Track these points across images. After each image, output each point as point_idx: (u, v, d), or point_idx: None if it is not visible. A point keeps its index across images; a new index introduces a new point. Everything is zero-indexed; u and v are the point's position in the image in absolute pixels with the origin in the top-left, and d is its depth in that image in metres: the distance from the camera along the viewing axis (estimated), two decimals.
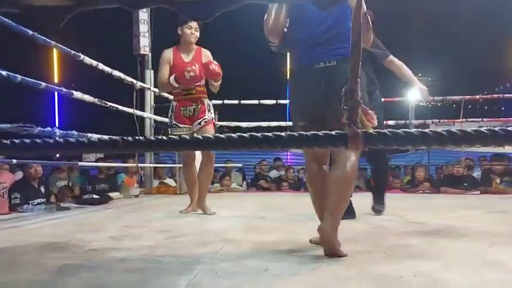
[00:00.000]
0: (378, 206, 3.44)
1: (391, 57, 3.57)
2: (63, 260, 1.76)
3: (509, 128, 0.67)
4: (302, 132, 0.71)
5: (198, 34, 3.39)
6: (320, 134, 0.69)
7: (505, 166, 6.25)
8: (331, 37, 2.07)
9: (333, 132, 0.71)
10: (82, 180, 6.07)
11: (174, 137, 0.75)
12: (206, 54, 3.47)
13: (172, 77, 3.27)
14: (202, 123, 3.40)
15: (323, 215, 1.97)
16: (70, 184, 5.70)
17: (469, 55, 11.03)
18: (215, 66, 3.28)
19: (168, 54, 3.39)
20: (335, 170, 1.96)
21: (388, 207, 3.46)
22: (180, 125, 3.40)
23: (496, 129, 0.67)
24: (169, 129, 3.48)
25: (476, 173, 6.75)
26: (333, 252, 1.82)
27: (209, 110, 3.46)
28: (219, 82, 3.38)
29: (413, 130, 0.69)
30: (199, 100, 3.42)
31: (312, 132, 0.70)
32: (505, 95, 7.40)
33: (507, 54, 11.15)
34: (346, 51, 2.01)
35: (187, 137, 0.77)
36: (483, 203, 4.45)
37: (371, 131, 0.72)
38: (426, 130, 0.67)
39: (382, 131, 0.71)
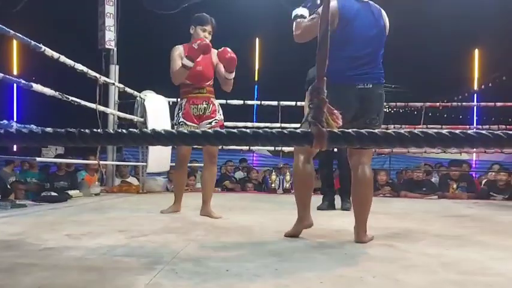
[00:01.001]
0: (347, 204, 3.88)
1: None
2: (16, 259, 1.69)
3: (469, 132, 0.69)
4: (268, 130, 0.70)
5: (210, 38, 3.30)
6: (285, 132, 0.69)
7: (461, 172, 6.49)
8: (372, 60, 2.28)
9: (298, 131, 0.70)
10: (41, 177, 5.86)
11: (134, 130, 0.72)
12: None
13: (185, 60, 3.11)
14: (213, 123, 3.32)
15: (306, 211, 2.30)
16: (15, 179, 5.50)
17: (430, 64, 11.41)
18: (231, 53, 3.16)
19: (180, 49, 3.27)
20: (361, 175, 2.26)
21: (348, 211, 3.52)
22: (188, 123, 3.28)
23: (456, 131, 0.69)
24: (175, 126, 3.36)
25: (435, 178, 6.98)
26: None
27: (219, 111, 3.39)
28: (233, 75, 3.26)
29: (376, 130, 0.69)
30: (210, 100, 3.33)
31: (277, 130, 0.70)
32: (463, 104, 7.70)
33: (466, 64, 11.61)
34: (380, 76, 2.31)
35: (148, 131, 0.75)
36: (440, 207, 4.60)
37: (336, 130, 0.72)
38: (389, 131, 0.68)
39: (346, 130, 0.71)
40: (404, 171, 7.33)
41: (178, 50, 3.28)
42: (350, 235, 2.36)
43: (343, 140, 0.70)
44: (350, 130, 0.69)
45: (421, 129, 0.68)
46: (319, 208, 4.04)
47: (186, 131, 0.71)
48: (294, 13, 2.36)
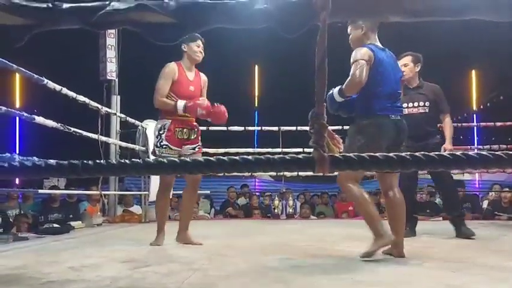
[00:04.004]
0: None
1: (449, 115, 3.99)
2: None
3: (470, 153, 0.69)
4: (269, 156, 0.71)
5: (203, 54, 3.28)
6: (288, 157, 0.69)
7: (464, 193, 6.45)
8: (398, 93, 2.67)
9: (300, 156, 0.71)
10: (35, 209, 5.80)
11: (137, 160, 0.73)
12: (204, 79, 3.36)
13: (181, 104, 3.06)
14: (196, 149, 3.26)
15: (383, 227, 2.47)
16: (22, 212, 5.44)
17: (440, 83, 11.49)
18: (225, 113, 3.19)
19: (174, 68, 3.17)
20: (395, 196, 2.55)
21: (353, 234, 3.48)
22: (172, 147, 3.14)
23: (457, 153, 0.69)
24: (157, 149, 3.16)
25: (439, 200, 6.93)
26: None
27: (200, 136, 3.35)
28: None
29: (377, 154, 0.70)
30: (193, 124, 3.26)
31: (279, 156, 0.70)
32: (463, 124, 7.71)
33: (464, 85, 11.70)
34: (402, 107, 2.74)
35: (151, 161, 0.75)
36: (445, 228, 4.55)
37: (337, 155, 0.72)
38: (390, 154, 0.68)
39: (347, 154, 0.71)
40: None
41: (170, 69, 3.16)
42: (355, 258, 2.33)
43: (345, 164, 0.70)
44: (351, 154, 0.70)
45: (423, 152, 0.69)
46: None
47: (188, 160, 0.71)
48: (336, 90, 2.60)
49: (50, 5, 0.74)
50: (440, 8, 0.79)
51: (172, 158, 0.76)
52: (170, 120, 3.16)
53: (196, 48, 3.22)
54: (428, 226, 4.84)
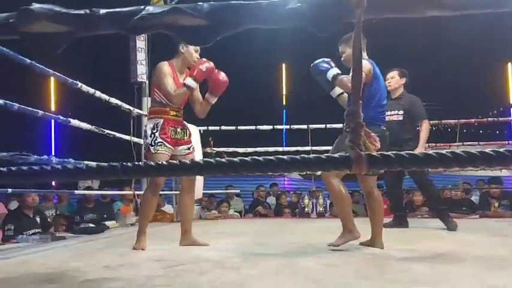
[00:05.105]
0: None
1: (427, 121, 4.41)
2: None
3: None
4: (305, 155, 0.70)
5: (199, 59, 3.16)
6: (323, 157, 0.68)
7: (502, 189, 6.24)
8: (385, 105, 3.00)
9: (337, 155, 0.70)
10: (70, 210, 5.98)
11: (174, 162, 0.74)
12: None
13: (190, 81, 2.96)
14: (191, 149, 3.19)
15: (353, 224, 2.79)
16: (58, 213, 5.61)
17: (462, 79, 11.18)
18: (225, 77, 3.06)
19: (168, 68, 3.07)
20: (376, 196, 2.88)
21: (386, 232, 3.41)
22: (167, 145, 3.01)
23: (500, 149, 0.67)
24: (151, 147, 2.99)
25: (475, 197, 6.73)
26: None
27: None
28: (216, 99, 3.13)
29: (417, 152, 0.68)
30: (184, 124, 3.18)
31: (315, 155, 0.70)
32: (499, 119, 7.46)
33: (499, 77, 11.31)
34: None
35: (186, 162, 0.76)
36: (482, 226, 4.42)
37: (374, 153, 0.71)
38: (430, 152, 0.67)
39: (385, 153, 0.70)
40: (441, 190, 7.09)
41: (167, 68, 3.06)
42: (389, 258, 2.29)
43: (382, 162, 0.69)
44: (390, 153, 0.69)
45: (463, 150, 0.67)
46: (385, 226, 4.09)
47: (224, 160, 0.72)
48: (332, 73, 2.83)
49: (88, 11, 0.76)
50: (480, 0, 0.77)
51: (207, 159, 0.76)
52: (162, 119, 3.04)
53: (195, 53, 3.09)
54: (465, 224, 4.71)
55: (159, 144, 2.98)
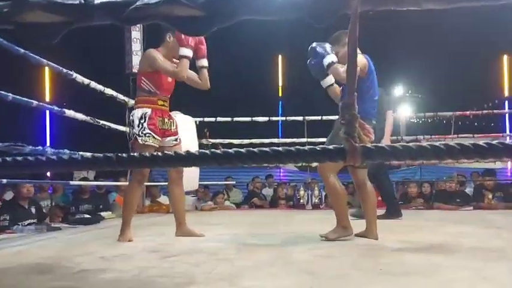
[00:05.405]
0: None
1: (391, 112, 4.59)
2: (51, 282, 1.72)
3: (507, 142, 0.67)
4: (300, 147, 0.70)
5: None
6: (318, 148, 0.69)
7: (496, 181, 6.28)
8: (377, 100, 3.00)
9: (331, 147, 0.70)
10: (65, 200, 5.97)
11: (169, 153, 0.74)
12: None
13: (185, 51, 2.87)
14: (178, 140, 3.14)
15: (348, 221, 2.84)
16: (54, 204, 5.60)
17: (458, 71, 11.21)
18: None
19: (158, 53, 3.00)
20: (368, 188, 2.92)
21: (381, 224, 3.44)
22: (155, 136, 2.96)
23: (493, 142, 0.67)
24: (139, 138, 2.93)
25: (469, 189, 6.78)
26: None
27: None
28: (207, 61, 3.04)
29: (411, 144, 0.69)
30: (170, 114, 3.13)
31: (310, 147, 0.70)
32: (494, 111, 7.49)
33: (495, 70, 11.34)
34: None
35: (181, 153, 0.76)
36: (476, 218, 4.45)
37: (368, 145, 0.71)
38: (424, 143, 0.67)
39: (379, 145, 0.70)
40: (436, 182, 7.14)
41: (157, 52, 2.99)
42: (383, 249, 2.31)
43: (377, 154, 0.70)
44: (384, 144, 0.69)
45: (457, 142, 0.67)
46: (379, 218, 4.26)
47: (219, 152, 0.72)
48: (329, 60, 2.81)
49: (83, 1, 0.76)
50: None
51: (202, 151, 0.76)
52: (150, 109, 2.98)
53: None
54: (458, 216, 4.76)
55: (147, 135, 2.93)
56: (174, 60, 3.01)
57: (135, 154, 0.72)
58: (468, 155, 0.66)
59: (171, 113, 3.19)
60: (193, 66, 3.03)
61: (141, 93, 3.02)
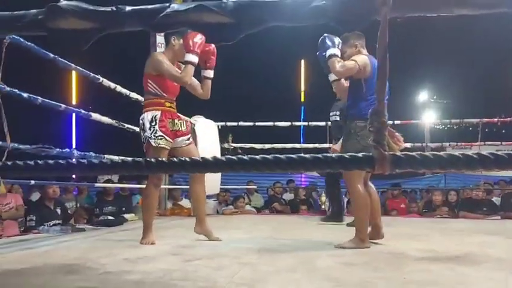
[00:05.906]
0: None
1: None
2: (78, 283, 1.75)
3: None
4: (327, 154, 0.70)
5: None
6: (346, 156, 0.68)
7: None
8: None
9: (360, 155, 0.69)
10: (90, 202, 6.08)
11: (196, 158, 0.74)
12: None
13: (191, 57, 2.86)
14: (190, 140, 3.15)
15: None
16: (78, 205, 5.71)
17: (485, 77, 10.98)
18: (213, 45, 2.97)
19: (164, 56, 3.02)
20: (371, 190, 2.94)
21: (405, 232, 3.39)
22: (168, 138, 2.97)
23: None
24: (151, 141, 2.93)
25: (496, 198, 6.60)
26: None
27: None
28: (213, 73, 3.06)
29: (442, 153, 0.67)
30: (179, 116, 3.16)
31: (338, 154, 0.69)
32: None
33: None
34: None
35: (209, 158, 0.77)
36: (503, 228, 4.33)
37: (398, 153, 0.70)
38: (456, 153, 0.66)
39: (409, 153, 0.69)
40: (463, 190, 6.98)
41: (162, 56, 3.00)
42: (407, 257, 2.27)
43: (407, 163, 0.68)
44: (414, 153, 0.68)
45: (491, 152, 0.65)
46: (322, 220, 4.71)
47: (246, 158, 0.72)
48: (330, 52, 2.81)
49: (114, 8, 0.77)
50: None
51: (229, 157, 0.77)
52: (160, 111, 2.97)
53: None
54: (485, 225, 4.63)
55: (159, 137, 2.93)
56: (178, 63, 3.04)
57: (164, 159, 0.72)
58: (503, 165, 0.64)
59: (193, 117, 3.23)
60: (197, 74, 3.08)
61: (148, 96, 3.03)
